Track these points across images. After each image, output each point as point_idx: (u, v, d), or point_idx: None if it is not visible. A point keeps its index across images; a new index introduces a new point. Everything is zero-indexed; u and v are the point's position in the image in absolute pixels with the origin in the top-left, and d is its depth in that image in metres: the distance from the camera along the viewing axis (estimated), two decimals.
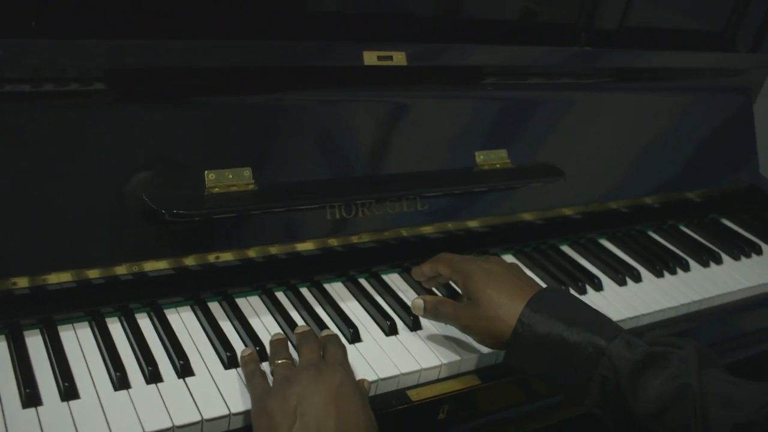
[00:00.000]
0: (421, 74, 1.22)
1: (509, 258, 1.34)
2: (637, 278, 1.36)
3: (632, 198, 1.50)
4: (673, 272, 1.40)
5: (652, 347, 0.94)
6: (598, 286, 1.30)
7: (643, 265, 1.40)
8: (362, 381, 0.96)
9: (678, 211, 1.60)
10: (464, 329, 1.03)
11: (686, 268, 1.42)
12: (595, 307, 1.21)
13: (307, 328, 1.01)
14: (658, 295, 1.33)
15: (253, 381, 0.91)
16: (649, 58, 1.48)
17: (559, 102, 1.38)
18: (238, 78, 1.08)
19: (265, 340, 1.01)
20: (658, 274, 1.39)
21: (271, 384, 0.90)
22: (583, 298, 1.26)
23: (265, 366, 0.97)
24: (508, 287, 1.01)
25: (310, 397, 0.84)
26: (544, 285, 1.06)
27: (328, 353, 0.95)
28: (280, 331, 1.03)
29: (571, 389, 0.96)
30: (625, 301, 1.29)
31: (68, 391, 0.87)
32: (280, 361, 0.93)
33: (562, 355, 0.95)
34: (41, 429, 0.82)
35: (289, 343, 1.00)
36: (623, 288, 1.33)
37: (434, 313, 1.06)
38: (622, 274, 1.35)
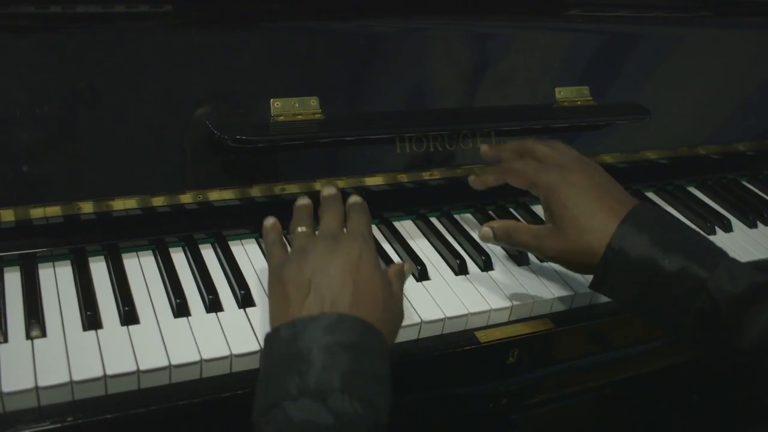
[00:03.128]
0: (500, 3, 1.16)
1: None
2: (728, 228, 1.28)
3: (724, 144, 1.42)
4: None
5: (758, 276, 0.84)
6: None
7: (734, 214, 1.33)
8: (402, 264, 0.89)
9: None
10: (548, 258, 0.94)
11: None
12: None
13: (334, 191, 0.94)
14: (750, 245, 1.25)
15: (272, 250, 0.87)
16: None
17: (648, 37, 1.30)
18: (307, 4, 1.05)
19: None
20: (751, 225, 1.31)
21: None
22: None
23: None
24: (598, 206, 0.90)
25: (325, 268, 0.79)
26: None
27: (350, 222, 0.89)
28: (306, 197, 0.96)
29: (662, 320, 0.88)
30: None
31: (128, 315, 0.87)
32: (300, 229, 0.88)
33: (657, 286, 0.85)
34: (100, 351, 0.82)
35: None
36: (712, 237, 1.25)
37: (507, 240, 0.96)
38: (711, 222, 1.27)
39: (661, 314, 0.88)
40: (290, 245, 0.89)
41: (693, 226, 1.24)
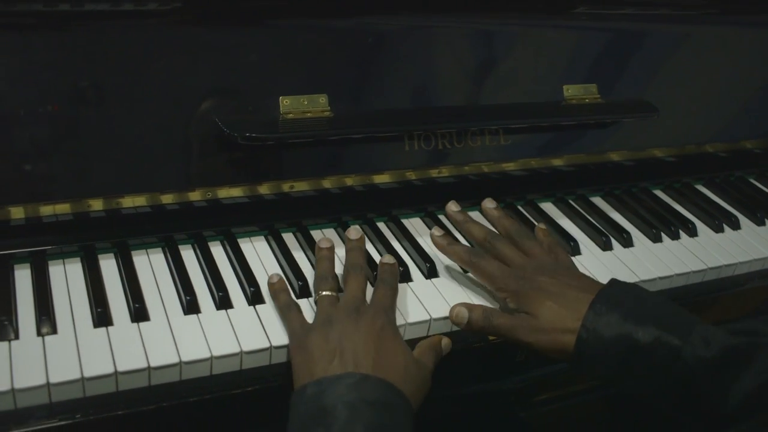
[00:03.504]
0: (508, 0, 1.16)
1: (598, 200, 1.28)
2: (736, 225, 1.28)
3: (731, 141, 1.41)
4: None
5: (732, 340, 0.83)
6: (692, 232, 1.23)
7: (742, 212, 1.32)
8: (439, 339, 0.92)
9: None
10: (523, 345, 0.90)
11: None
12: (690, 252, 1.17)
13: (359, 236, 0.98)
14: (758, 243, 1.24)
15: (289, 315, 0.88)
16: None
17: (655, 35, 1.29)
18: (316, 1, 1.05)
19: (339, 272, 0.97)
20: (759, 223, 1.30)
21: (307, 318, 0.89)
22: (676, 243, 1.19)
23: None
24: (567, 297, 0.90)
25: (350, 336, 0.83)
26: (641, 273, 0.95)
27: (376, 293, 0.91)
28: (328, 240, 0.98)
29: (644, 392, 0.88)
30: (721, 247, 1.21)
31: (138, 312, 0.87)
32: (324, 293, 0.90)
33: (634, 359, 0.85)
34: (111, 348, 0.82)
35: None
36: (720, 235, 1.25)
37: (483, 326, 0.91)
38: (719, 220, 1.27)
39: (642, 386, 0.87)
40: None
41: (702, 224, 1.25)
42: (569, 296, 0.90)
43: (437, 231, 1.03)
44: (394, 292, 0.93)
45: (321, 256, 0.96)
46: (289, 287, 0.94)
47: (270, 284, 0.93)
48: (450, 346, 0.93)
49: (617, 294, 0.90)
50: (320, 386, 0.78)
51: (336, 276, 0.94)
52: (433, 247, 1.05)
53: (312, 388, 0.78)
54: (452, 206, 1.06)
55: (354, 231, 0.99)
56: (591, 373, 0.90)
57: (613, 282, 0.92)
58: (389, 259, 0.97)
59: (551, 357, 0.90)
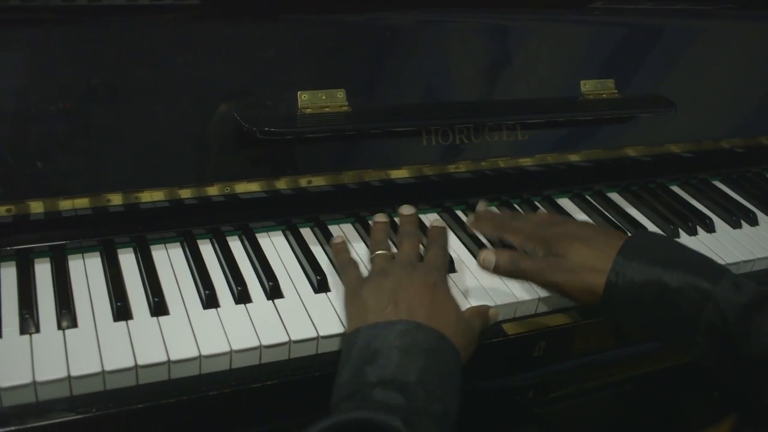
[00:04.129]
0: None
1: (614, 196, 1.28)
2: (754, 221, 1.27)
3: (748, 137, 1.41)
4: None
5: (763, 287, 0.84)
6: (710, 228, 1.22)
7: (759, 208, 1.32)
8: (487, 307, 0.93)
9: None
10: (551, 286, 0.92)
11: None
12: (706, 249, 1.16)
13: (413, 212, 1.00)
14: None
15: (347, 270, 0.93)
16: None
17: (672, 30, 1.29)
18: None
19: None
20: None
21: (364, 274, 0.92)
22: (693, 239, 1.19)
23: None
24: (596, 240, 0.91)
25: (405, 287, 0.85)
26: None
27: (428, 253, 0.94)
28: (384, 215, 1.02)
29: (674, 339, 0.88)
30: (739, 243, 1.20)
31: (158, 306, 0.87)
32: (379, 252, 0.93)
33: (663, 303, 0.85)
34: (131, 341, 0.82)
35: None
36: (737, 231, 1.24)
37: (511, 269, 0.93)
38: (736, 216, 1.26)
39: (672, 333, 0.87)
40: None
41: (719, 220, 1.25)
42: (599, 240, 0.91)
43: (471, 217, 1.04)
44: (445, 252, 0.95)
45: (377, 228, 0.99)
46: (350, 248, 0.99)
47: (333, 243, 0.98)
48: (497, 317, 0.95)
49: (647, 240, 0.91)
50: (374, 330, 0.80)
51: (389, 240, 0.98)
52: (452, 243, 1.05)
53: (366, 331, 0.80)
54: (481, 205, 1.08)
55: (407, 207, 1.01)
56: (620, 318, 0.91)
57: (642, 231, 0.94)
58: (439, 222, 1.00)
59: (579, 299, 0.91)
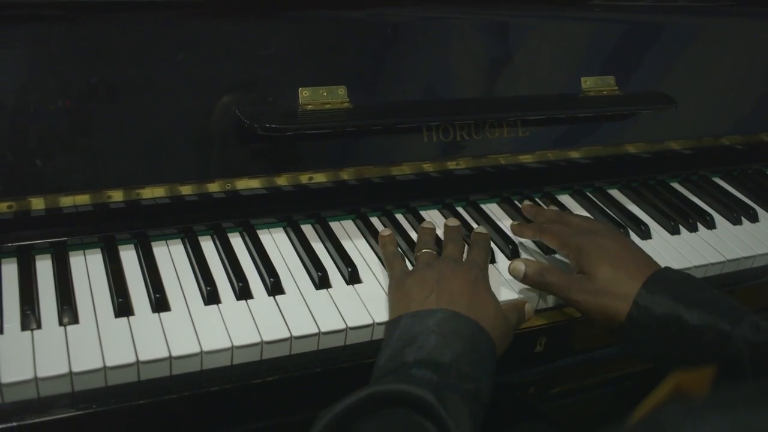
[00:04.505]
0: None
1: (615, 193, 1.28)
2: (754, 218, 1.27)
3: (748, 134, 1.40)
4: None
5: None
6: (710, 224, 1.22)
7: (760, 204, 1.32)
8: (524, 302, 0.97)
9: None
10: (574, 303, 0.93)
11: None
12: (707, 245, 1.16)
13: (457, 224, 1.03)
14: None
15: (393, 261, 0.96)
16: None
17: (673, 27, 1.29)
18: None
19: (359, 263, 0.99)
20: None
21: (409, 267, 0.95)
22: (694, 236, 1.19)
23: None
24: (625, 265, 0.92)
25: (447, 278, 0.89)
26: (660, 264, 0.95)
27: (471, 252, 0.97)
28: (432, 221, 1.06)
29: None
30: (739, 240, 1.20)
31: (159, 302, 0.87)
32: (425, 250, 0.96)
33: (682, 341, 0.85)
34: (132, 337, 0.82)
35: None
36: (738, 227, 1.24)
37: (537, 281, 0.96)
38: (737, 212, 1.26)
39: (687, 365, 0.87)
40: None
41: (720, 217, 1.25)
42: (629, 266, 0.92)
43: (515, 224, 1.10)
44: (487, 253, 0.99)
45: (424, 232, 1.02)
46: (396, 241, 1.02)
47: (381, 236, 1.01)
48: (532, 313, 0.98)
49: (672, 277, 0.91)
50: (415, 317, 0.83)
51: (436, 242, 1.00)
52: None
53: (407, 318, 0.84)
54: (526, 202, 1.14)
55: (453, 220, 1.05)
56: (638, 350, 0.91)
57: (669, 268, 0.94)
58: (482, 228, 1.04)
59: (597, 321, 0.92)
